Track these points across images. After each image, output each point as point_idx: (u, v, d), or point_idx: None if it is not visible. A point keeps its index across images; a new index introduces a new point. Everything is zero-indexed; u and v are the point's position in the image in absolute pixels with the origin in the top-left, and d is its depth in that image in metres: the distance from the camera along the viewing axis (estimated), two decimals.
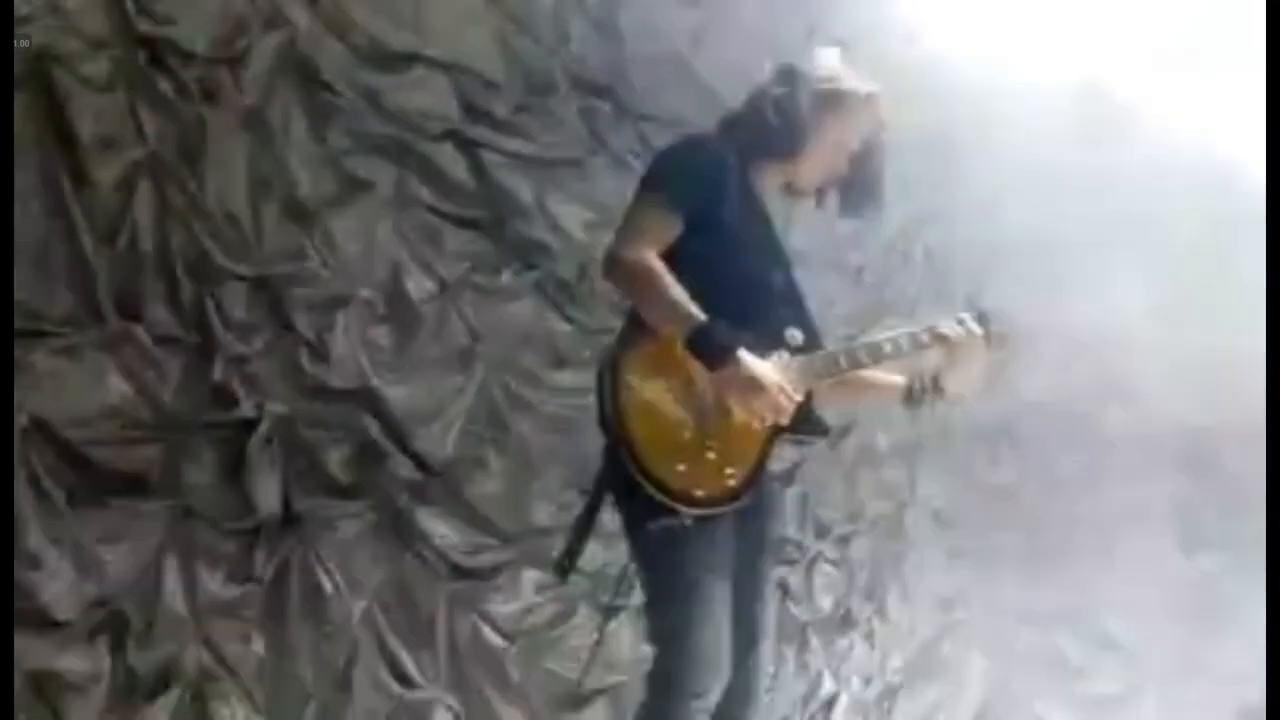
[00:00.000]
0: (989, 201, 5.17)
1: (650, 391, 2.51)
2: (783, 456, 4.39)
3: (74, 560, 2.91)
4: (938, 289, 5.14)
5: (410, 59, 3.61)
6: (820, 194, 2.87)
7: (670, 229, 2.58)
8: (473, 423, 3.65)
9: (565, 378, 3.85)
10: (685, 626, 2.52)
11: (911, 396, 2.80)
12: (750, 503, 2.60)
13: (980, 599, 5.13)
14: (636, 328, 2.57)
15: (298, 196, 3.37)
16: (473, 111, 3.74)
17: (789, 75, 2.76)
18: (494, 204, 3.75)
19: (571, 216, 3.87)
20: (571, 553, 2.63)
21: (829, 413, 4.57)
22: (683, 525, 2.51)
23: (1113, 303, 5.55)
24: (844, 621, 4.71)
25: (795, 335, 2.65)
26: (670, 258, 2.56)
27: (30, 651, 2.81)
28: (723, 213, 2.61)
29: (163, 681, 3.03)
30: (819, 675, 4.58)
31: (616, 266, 2.59)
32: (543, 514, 3.75)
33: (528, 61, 3.88)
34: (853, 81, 2.78)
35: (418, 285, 3.58)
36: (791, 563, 4.47)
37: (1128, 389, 5.74)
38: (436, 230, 3.65)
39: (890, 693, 4.78)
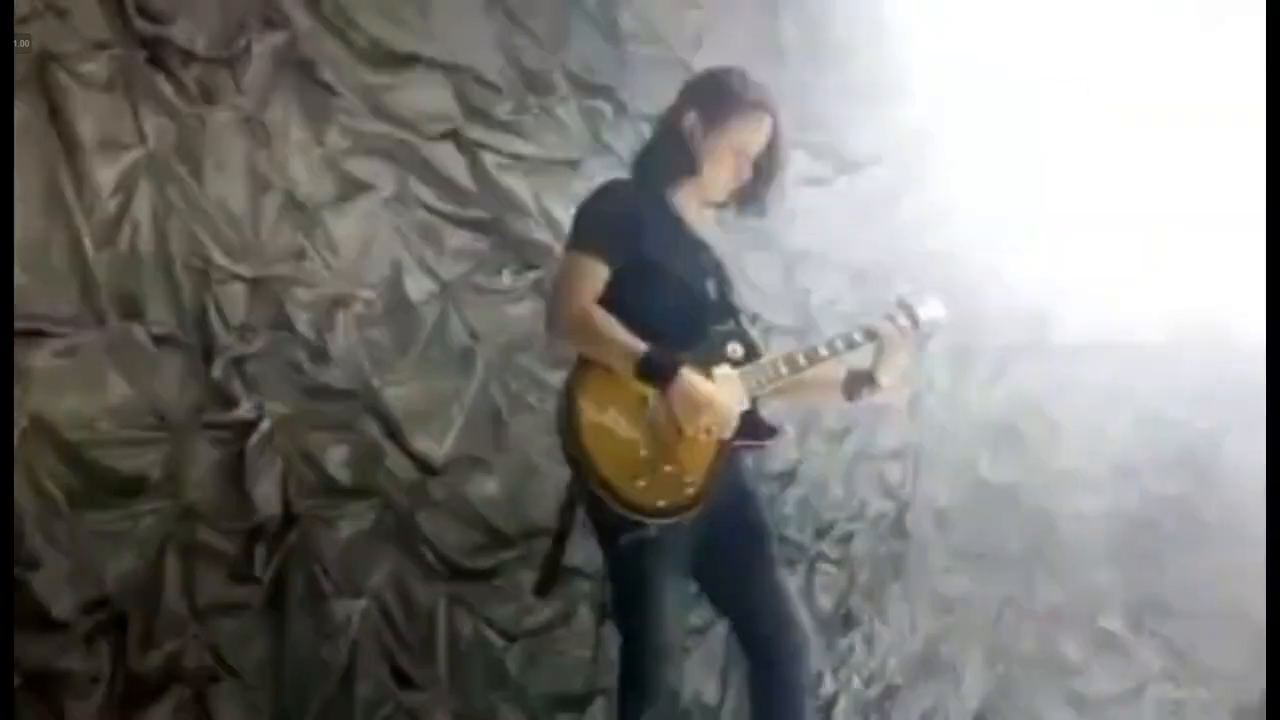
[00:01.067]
0: (991, 201, 5.16)
1: (605, 417, 2.70)
2: (786, 456, 4.44)
3: (74, 560, 2.91)
4: (939, 289, 5.13)
5: (410, 59, 3.61)
6: (731, 201, 3.03)
7: (598, 277, 2.77)
8: (473, 423, 3.65)
9: (565, 378, 3.84)
10: (647, 625, 2.72)
11: (849, 391, 2.99)
12: (722, 506, 2.77)
13: (980, 599, 5.13)
14: (587, 360, 2.74)
15: (298, 196, 3.37)
16: (473, 112, 3.74)
17: (681, 97, 2.96)
18: (494, 204, 3.75)
19: (571, 217, 3.86)
20: (547, 577, 2.85)
21: (831, 414, 4.61)
22: (650, 536, 2.69)
23: (1113, 303, 5.55)
24: (844, 621, 4.71)
25: (736, 349, 2.83)
26: (609, 300, 2.75)
27: (30, 651, 2.81)
28: (646, 247, 2.79)
29: (163, 681, 3.04)
30: (819, 675, 4.58)
31: (557, 323, 2.81)
32: (543, 514, 3.74)
33: (528, 61, 3.88)
34: (747, 94, 2.92)
35: (418, 285, 3.58)
36: (792, 563, 4.46)
37: (1128, 388, 5.73)
38: (436, 230, 3.65)
39: (890, 693, 4.77)
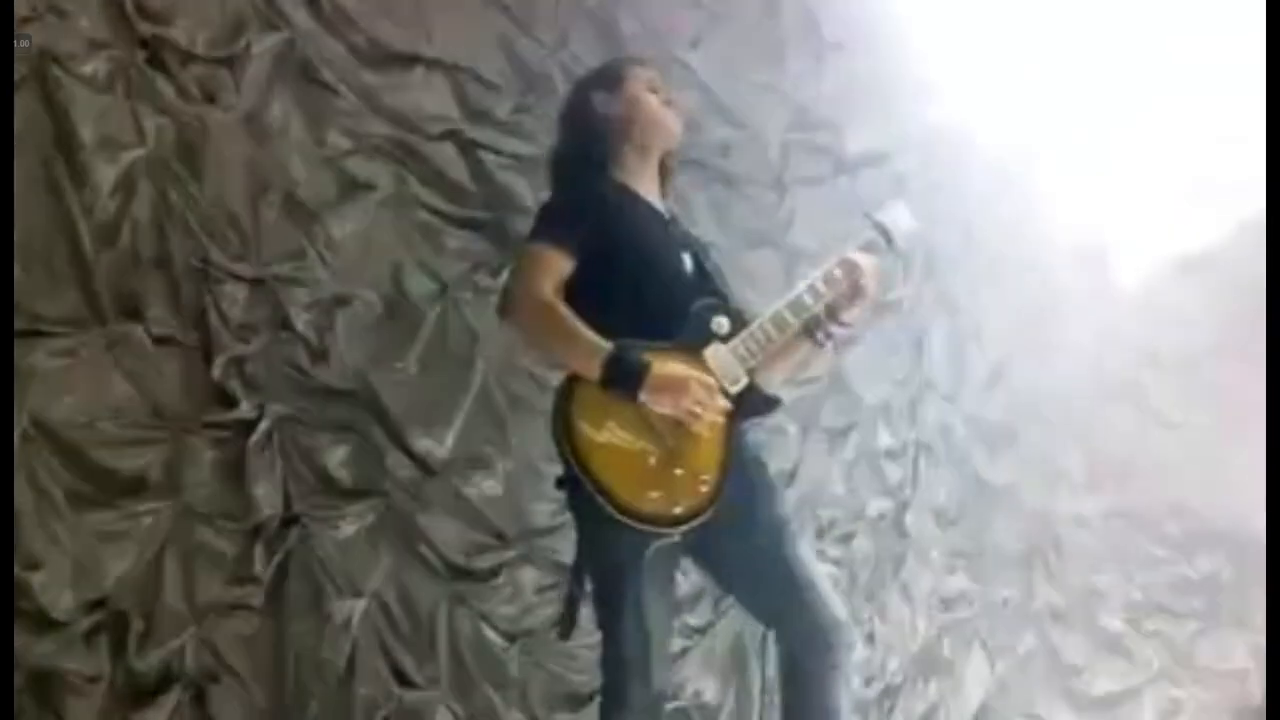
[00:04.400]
0: (990, 201, 5.17)
1: (605, 434, 2.59)
2: (786, 455, 4.42)
3: (74, 560, 2.91)
4: (939, 288, 5.14)
5: (410, 59, 3.61)
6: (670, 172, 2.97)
7: (559, 269, 2.67)
8: (473, 423, 3.64)
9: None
10: (618, 631, 2.66)
11: (815, 338, 2.83)
12: (727, 498, 2.66)
13: (980, 599, 5.13)
14: (574, 379, 2.64)
15: (298, 196, 3.37)
16: (473, 112, 3.74)
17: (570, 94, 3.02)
18: (494, 204, 3.75)
19: None
20: (568, 619, 2.76)
21: (830, 413, 4.60)
22: (675, 542, 2.61)
23: (1112, 302, 5.56)
24: None
25: (721, 323, 2.71)
26: (580, 294, 2.65)
27: (30, 651, 2.81)
28: (612, 231, 2.71)
29: (163, 681, 3.03)
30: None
31: (513, 307, 2.71)
32: (543, 514, 3.75)
33: (528, 61, 3.88)
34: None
35: (418, 285, 3.58)
36: None
37: (1127, 388, 5.74)
38: (436, 230, 3.65)
39: (890, 693, 4.77)
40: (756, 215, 4.46)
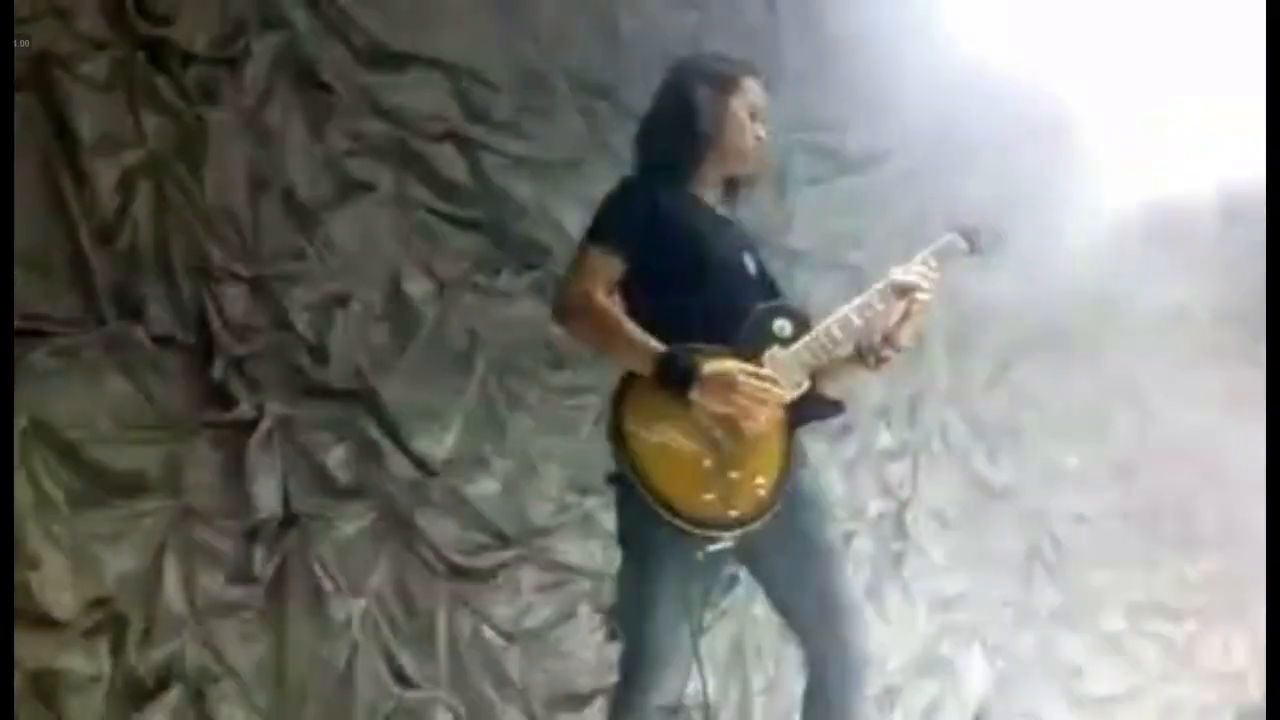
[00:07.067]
0: (992, 200, 5.16)
1: (658, 435, 2.51)
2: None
3: (74, 560, 2.91)
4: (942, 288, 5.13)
5: (410, 59, 3.62)
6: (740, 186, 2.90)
7: (609, 269, 2.62)
8: (473, 423, 3.65)
9: (565, 378, 3.84)
10: (643, 631, 2.61)
11: (864, 358, 2.74)
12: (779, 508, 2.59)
13: (980, 599, 5.13)
14: (626, 382, 2.57)
15: (297, 196, 3.38)
16: (473, 112, 3.74)
17: (682, 68, 2.84)
18: (494, 204, 3.76)
19: (571, 217, 3.86)
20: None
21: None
22: (729, 548, 2.54)
23: (1114, 302, 5.55)
24: None
25: (784, 327, 2.65)
26: (637, 293, 2.62)
27: (30, 651, 2.81)
28: (668, 231, 2.65)
29: (163, 681, 3.04)
30: None
31: (566, 312, 2.64)
32: (543, 514, 3.75)
33: (528, 61, 3.89)
34: (738, 60, 2.86)
35: (418, 285, 3.59)
36: None
37: (1128, 388, 5.73)
38: (436, 230, 3.65)
39: (890, 692, 4.77)
40: (756, 215, 4.46)
